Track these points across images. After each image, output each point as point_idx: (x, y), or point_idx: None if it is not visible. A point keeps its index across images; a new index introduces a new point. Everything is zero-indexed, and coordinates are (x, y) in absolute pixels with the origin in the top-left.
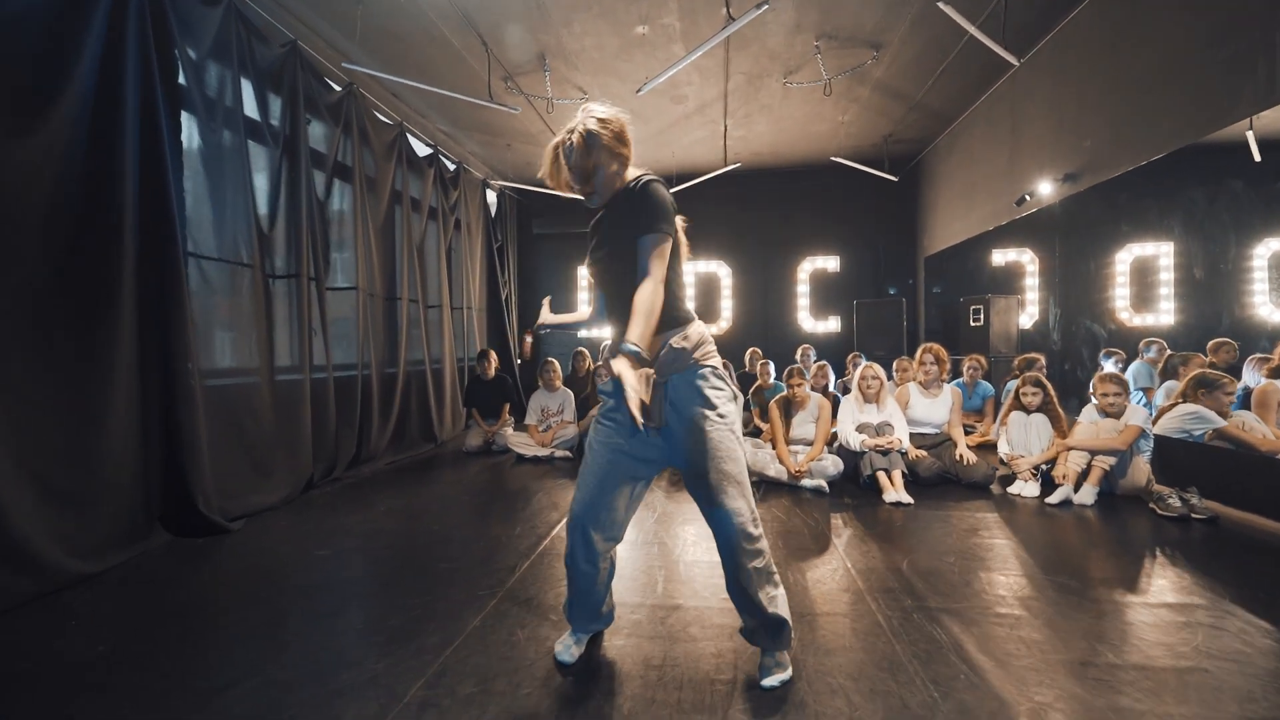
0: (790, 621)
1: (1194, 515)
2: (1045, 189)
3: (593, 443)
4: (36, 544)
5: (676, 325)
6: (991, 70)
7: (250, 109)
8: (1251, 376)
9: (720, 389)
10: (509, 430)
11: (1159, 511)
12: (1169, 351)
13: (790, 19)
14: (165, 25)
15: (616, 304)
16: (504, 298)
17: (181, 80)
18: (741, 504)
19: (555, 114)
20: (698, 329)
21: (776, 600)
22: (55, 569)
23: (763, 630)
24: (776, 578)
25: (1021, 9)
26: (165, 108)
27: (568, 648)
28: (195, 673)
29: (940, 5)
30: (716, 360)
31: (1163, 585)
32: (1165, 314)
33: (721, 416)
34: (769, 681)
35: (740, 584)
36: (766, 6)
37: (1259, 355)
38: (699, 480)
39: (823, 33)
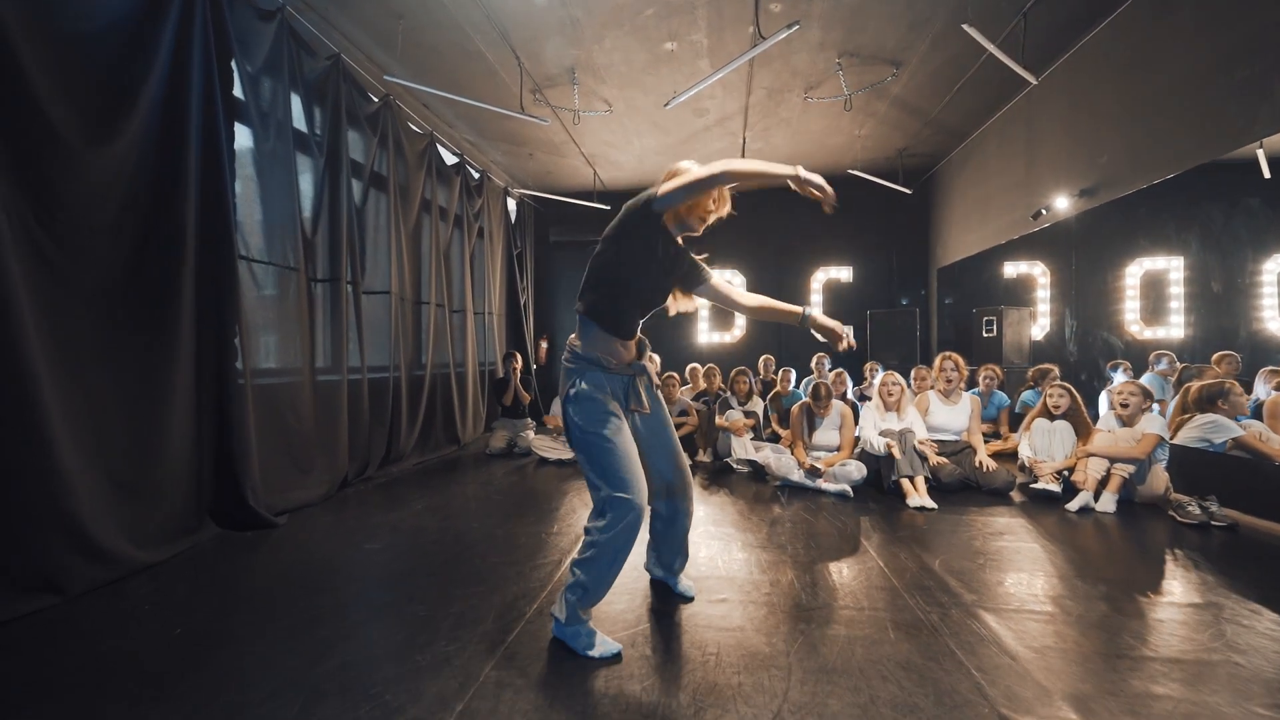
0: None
1: (1214, 522)
2: (1062, 203)
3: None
4: (108, 535)
5: None
6: (1007, 88)
7: (297, 119)
8: (1263, 389)
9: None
10: (531, 433)
11: (1179, 519)
12: (1179, 364)
13: (815, 38)
14: (225, 38)
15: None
16: (522, 303)
17: (238, 93)
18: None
19: (580, 125)
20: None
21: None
22: (124, 559)
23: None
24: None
25: (1040, 29)
26: (224, 117)
27: (603, 641)
28: (280, 653)
29: (965, 27)
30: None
31: (1187, 587)
32: (1175, 327)
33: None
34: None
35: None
36: (797, 26)
37: (1270, 368)
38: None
39: (845, 50)
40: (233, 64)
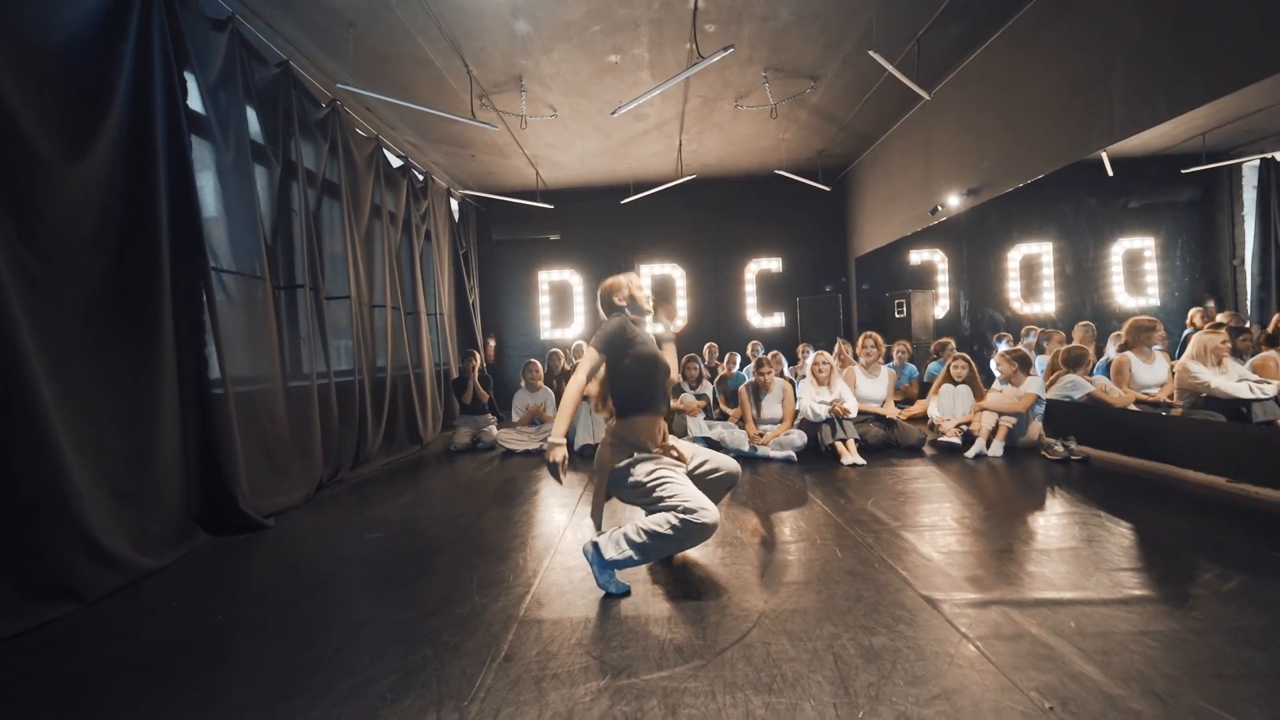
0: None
1: (1072, 457)
2: (953, 200)
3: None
4: (115, 542)
5: None
6: (907, 100)
7: (252, 128)
8: (1111, 349)
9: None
10: (494, 428)
11: (1047, 456)
12: (1038, 331)
13: (745, 54)
14: (183, 48)
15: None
16: (471, 302)
17: (198, 105)
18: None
19: (527, 130)
20: None
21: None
22: (132, 565)
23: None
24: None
25: (930, 54)
26: (186, 129)
27: (619, 581)
28: (333, 619)
29: (870, 53)
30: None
31: (1052, 503)
32: (1048, 303)
33: None
34: None
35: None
36: (732, 49)
37: (1115, 333)
38: None
39: (770, 65)
40: (187, 74)
